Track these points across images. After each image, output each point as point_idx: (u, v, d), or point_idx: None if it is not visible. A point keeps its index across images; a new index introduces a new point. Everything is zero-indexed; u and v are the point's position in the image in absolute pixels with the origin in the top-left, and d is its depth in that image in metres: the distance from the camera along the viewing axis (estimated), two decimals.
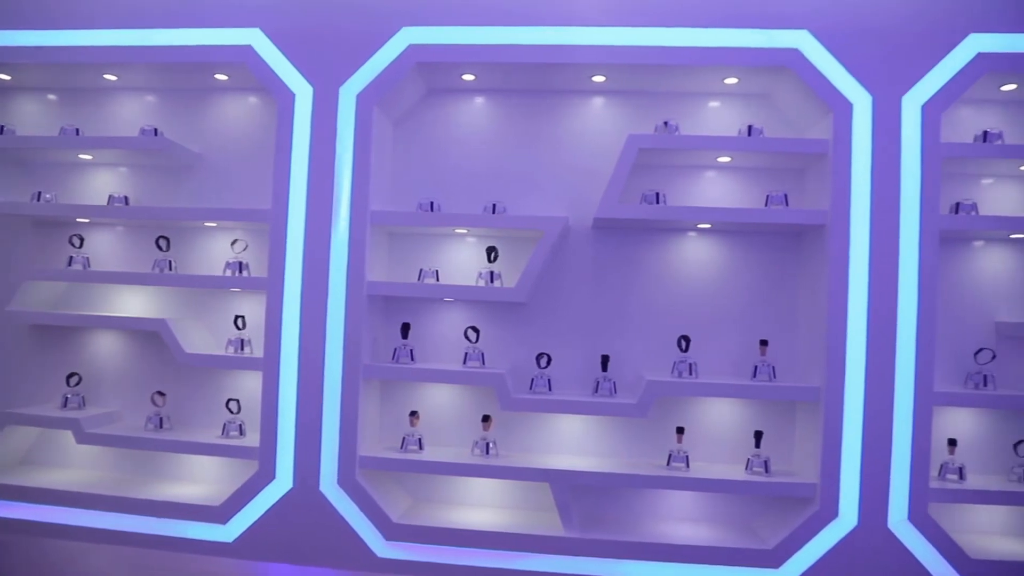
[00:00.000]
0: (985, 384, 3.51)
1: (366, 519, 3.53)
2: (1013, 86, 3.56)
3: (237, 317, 3.83)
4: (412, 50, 3.56)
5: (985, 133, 3.48)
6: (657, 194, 3.57)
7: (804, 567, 3.36)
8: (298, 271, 3.57)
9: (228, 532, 3.60)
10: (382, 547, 3.53)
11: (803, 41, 3.42)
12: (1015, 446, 3.53)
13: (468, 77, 3.75)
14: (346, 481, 3.54)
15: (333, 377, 3.55)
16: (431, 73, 3.72)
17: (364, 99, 3.57)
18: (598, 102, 3.87)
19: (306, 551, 3.57)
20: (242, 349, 3.78)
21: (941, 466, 3.52)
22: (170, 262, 3.82)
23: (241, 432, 3.79)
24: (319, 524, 3.56)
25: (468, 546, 3.46)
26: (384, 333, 3.88)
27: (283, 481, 3.58)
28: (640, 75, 3.63)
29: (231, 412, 3.81)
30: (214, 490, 3.83)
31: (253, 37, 3.62)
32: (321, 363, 3.55)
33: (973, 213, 3.49)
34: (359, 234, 3.56)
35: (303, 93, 3.60)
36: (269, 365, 3.57)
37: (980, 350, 3.56)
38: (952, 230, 3.44)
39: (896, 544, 3.34)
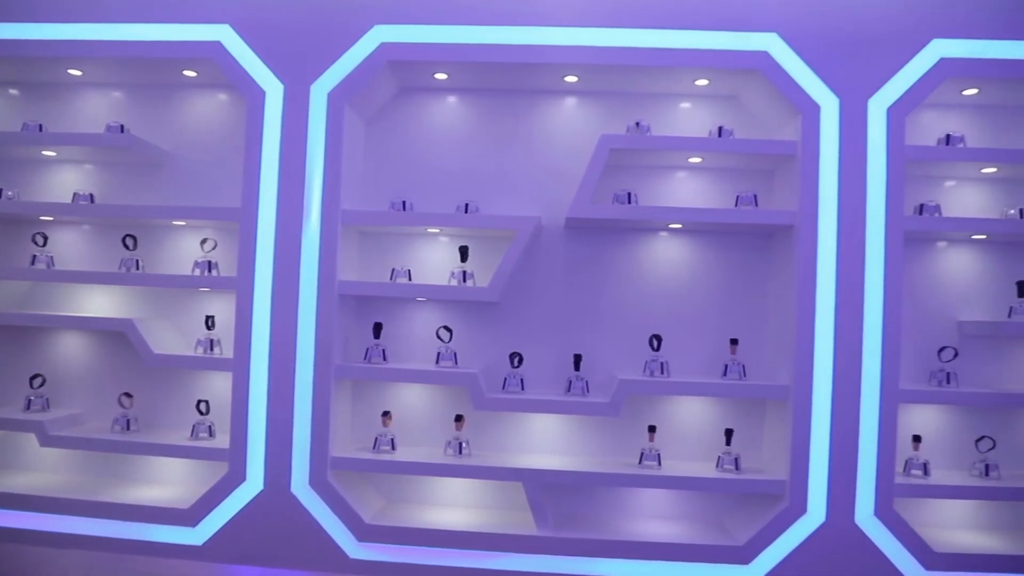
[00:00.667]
0: (948, 382, 3.58)
1: (338, 520, 3.50)
2: (974, 91, 3.64)
3: (207, 317, 3.78)
4: (384, 48, 3.54)
5: (948, 136, 3.56)
6: (629, 194, 3.59)
7: (774, 563, 3.41)
8: (268, 270, 3.54)
9: (198, 535, 3.55)
10: (354, 548, 3.51)
11: (772, 44, 3.46)
12: (977, 442, 3.61)
13: (441, 76, 3.74)
14: (318, 482, 3.51)
15: (304, 377, 3.52)
16: (403, 72, 3.70)
17: (335, 97, 3.54)
18: (570, 102, 3.89)
19: (277, 553, 3.54)
20: (211, 349, 3.73)
21: (906, 462, 3.59)
22: (137, 261, 3.76)
23: (211, 433, 3.74)
24: (290, 526, 3.53)
25: (441, 546, 3.46)
26: (356, 333, 3.85)
27: (254, 483, 3.54)
28: (612, 76, 3.65)
29: (200, 413, 3.76)
30: (183, 493, 3.77)
31: (222, 33, 3.57)
32: (292, 363, 3.52)
33: (936, 214, 3.56)
34: (330, 233, 3.53)
35: (273, 91, 3.56)
36: (239, 365, 3.53)
37: (943, 348, 3.64)
38: (916, 231, 3.51)
39: (863, 539, 3.40)
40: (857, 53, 3.46)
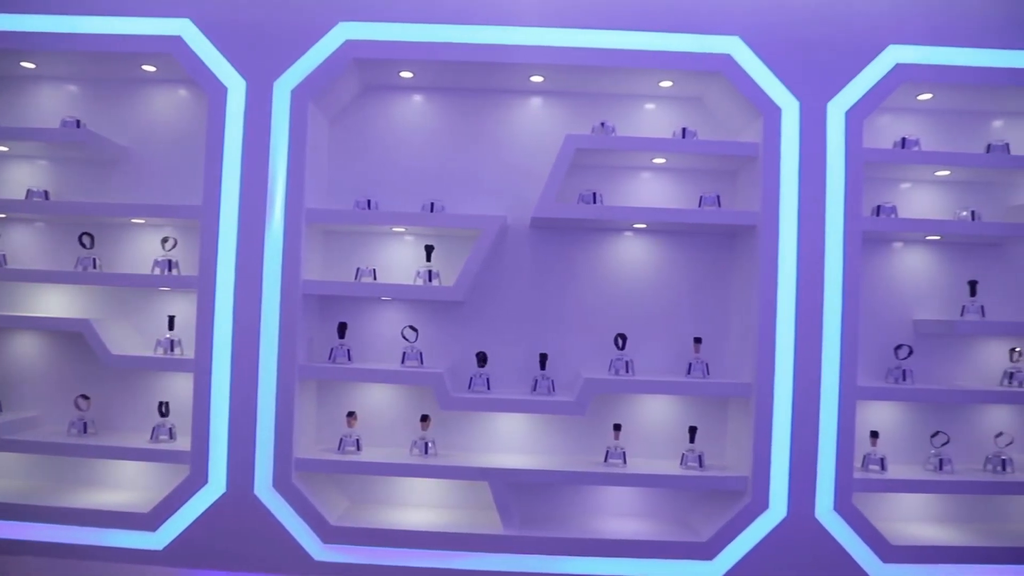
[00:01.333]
0: (904, 379, 3.67)
1: (303, 522, 3.47)
2: (929, 96, 3.74)
3: (169, 317, 3.71)
4: (349, 46, 3.51)
5: (904, 140, 3.65)
6: (594, 194, 3.62)
7: (736, 558, 3.46)
8: (231, 270, 3.48)
9: (158, 540, 3.49)
10: (319, 550, 3.47)
11: (735, 47, 3.51)
12: (932, 437, 3.71)
13: (406, 74, 3.72)
14: (282, 484, 3.47)
15: (268, 378, 3.48)
16: (368, 70, 3.67)
17: (299, 95, 3.50)
18: (536, 102, 3.90)
19: (240, 557, 3.49)
20: (172, 350, 3.67)
21: (864, 457, 3.67)
22: (94, 260, 3.68)
23: (171, 436, 3.67)
24: (254, 529, 3.48)
25: (407, 547, 3.44)
26: (320, 333, 3.82)
27: (216, 485, 3.49)
28: (578, 76, 3.67)
29: (161, 415, 3.68)
30: (143, 497, 3.70)
31: (183, 28, 3.51)
32: (255, 364, 3.48)
33: (893, 216, 3.65)
34: (294, 232, 3.49)
35: (235, 87, 3.51)
36: (200, 366, 3.47)
37: (899, 346, 3.73)
38: (874, 231, 3.59)
39: (823, 533, 3.47)
40: (817, 57, 3.53)
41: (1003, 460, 3.66)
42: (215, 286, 3.48)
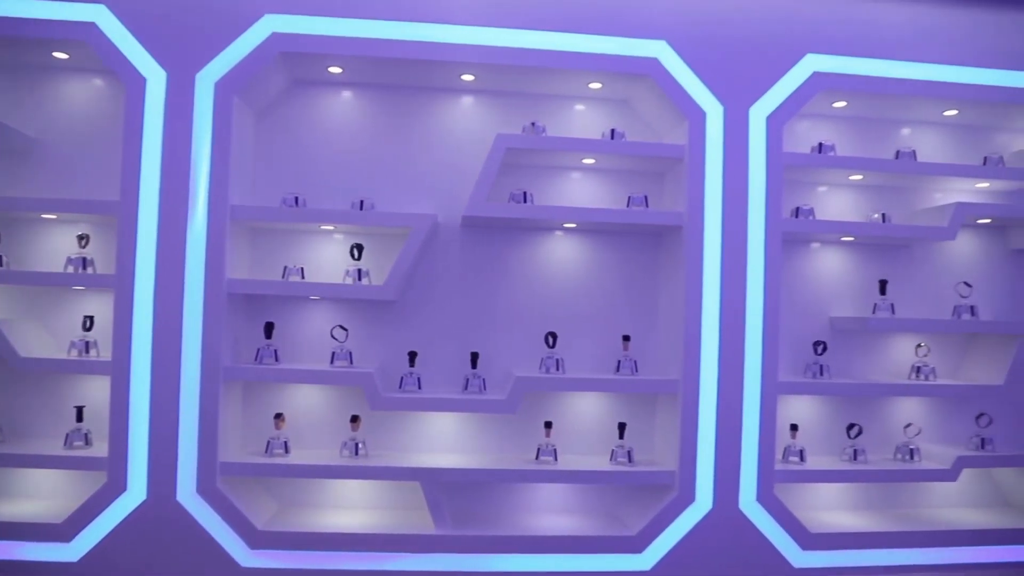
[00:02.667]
0: (821, 373, 3.83)
1: (228, 528, 3.37)
2: (843, 103, 3.92)
3: (85, 318, 3.55)
4: (275, 38, 3.43)
5: (820, 145, 3.81)
6: (525, 193, 3.64)
7: (665, 550, 3.54)
8: (151, 268, 3.35)
9: (73, 551, 3.33)
10: (246, 556, 3.38)
11: (662, 51, 3.59)
12: (847, 429, 3.88)
13: (335, 70, 3.66)
14: (206, 489, 3.36)
15: (190, 380, 3.36)
16: (296, 64, 3.60)
17: (223, 87, 3.40)
18: (467, 101, 3.90)
19: (162, 566, 3.36)
20: (87, 352, 3.51)
21: (784, 449, 3.81)
22: (1, 257, 3.48)
23: (87, 442, 3.51)
24: (176, 536, 3.36)
25: (338, 550, 3.39)
26: (246, 333, 3.72)
27: (135, 492, 3.35)
28: (508, 76, 3.69)
29: (76, 421, 3.52)
30: (57, 506, 3.52)
31: (98, 14, 3.35)
32: (177, 365, 3.36)
33: (811, 217, 3.80)
34: (218, 229, 3.39)
35: (155, 78, 3.38)
36: (118, 369, 3.33)
37: (818, 342, 3.89)
38: (793, 232, 3.74)
39: (747, 524, 3.58)
40: (740, 63, 3.64)
41: (911, 449, 3.87)
42: (133, 285, 3.34)
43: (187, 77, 3.39)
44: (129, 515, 3.35)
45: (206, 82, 3.40)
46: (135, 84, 3.36)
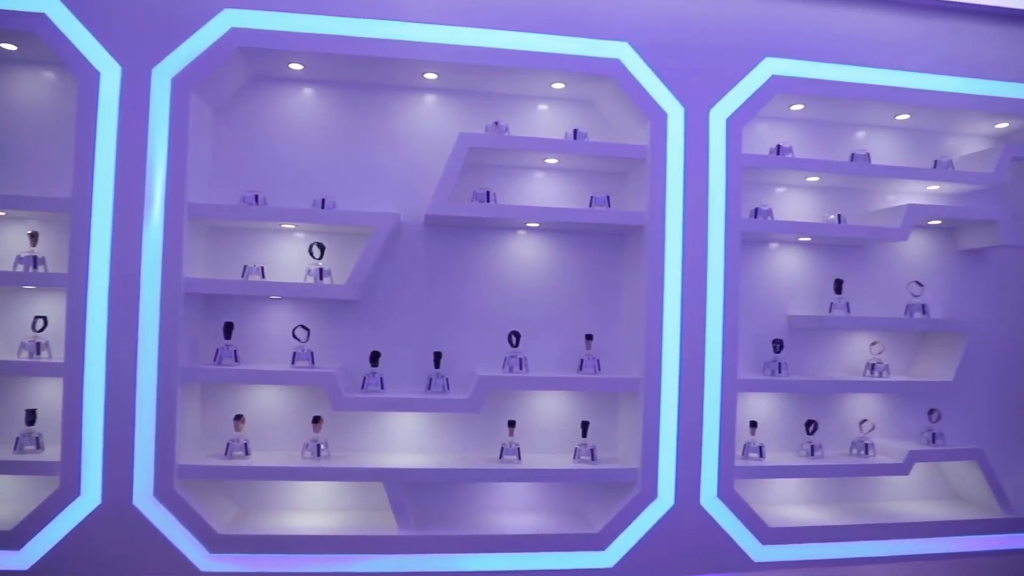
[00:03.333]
0: (780, 371, 3.90)
1: (187, 532, 3.30)
2: (801, 106, 4.00)
3: (37, 318, 3.45)
4: (234, 33, 3.37)
5: (779, 147, 3.88)
6: (488, 193, 3.64)
7: (628, 547, 3.57)
8: (105, 267, 3.27)
9: (24, 558, 3.23)
10: (205, 561, 3.32)
11: (624, 52, 3.62)
12: (807, 426, 3.95)
13: (296, 66, 3.62)
14: (163, 493, 3.29)
15: (147, 381, 3.29)
16: (256, 60, 3.55)
17: (180, 83, 3.34)
18: (430, 99, 3.88)
19: (118, 572, 3.28)
20: (39, 353, 3.41)
21: (744, 446, 3.88)
22: None
23: (39, 446, 3.41)
24: (133, 542, 3.29)
25: (300, 552, 3.35)
26: (205, 333, 3.65)
27: (90, 497, 3.27)
28: (471, 75, 3.68)
29: (26, 424, 3.41)
30: (6, 512, 3.41)
31: (48, 4, 3.26)
32: (133, 366, 3.28)
33: (769, 218, 3.87)
34: (175, 228, 3.33)
35: (109, 72, 3.30)
36: (71, 370, 3.24)
37: (777, 341, 3.96)
38: (752, 232, 3.80)
39: (708, 519, 3.63)
40: (700, 66, 3.69)
41: (866, 445, 3.96)
42: (87, 284, 3.26)
43: (143, 71, 3.32)
44: (83, 520, 3.27)
45: (162, 77, 3.33)
46: (88, 78, 3.28)
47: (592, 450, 3.71)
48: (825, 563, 3.72)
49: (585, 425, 3.76)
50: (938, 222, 4.10)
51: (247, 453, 3.52)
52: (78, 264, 3.25)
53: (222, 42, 3.36)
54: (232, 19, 3.37)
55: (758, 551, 3.66)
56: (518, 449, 3.69)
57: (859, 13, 3.90)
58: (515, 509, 3.87)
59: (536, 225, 3.82)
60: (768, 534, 3.66)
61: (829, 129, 4.22)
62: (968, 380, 4.25)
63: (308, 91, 3.80)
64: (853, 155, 3.94)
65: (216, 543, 3.30)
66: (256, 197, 3.52)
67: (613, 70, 3.59)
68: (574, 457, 3.73)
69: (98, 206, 3.27)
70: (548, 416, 3.92)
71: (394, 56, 3.47)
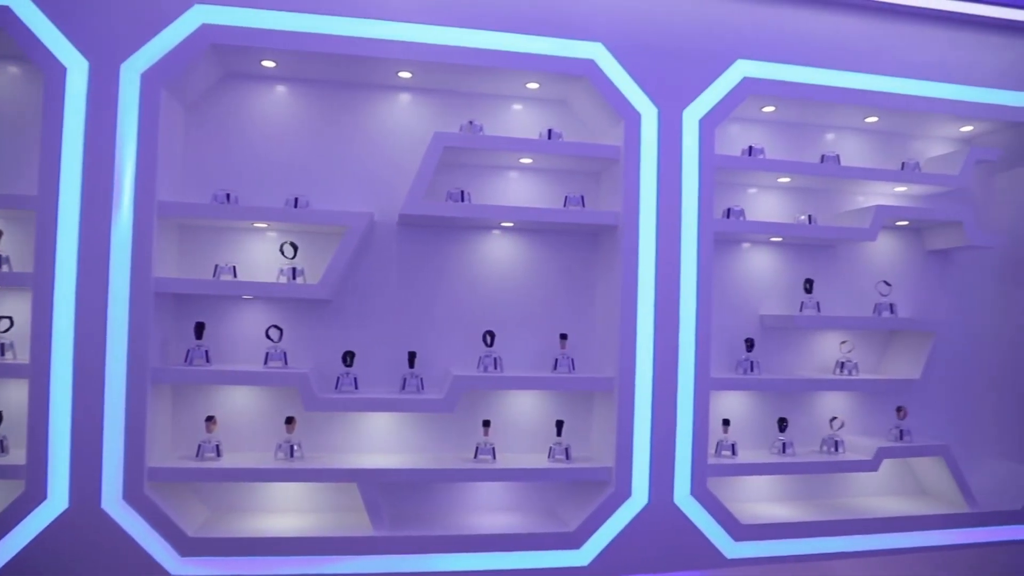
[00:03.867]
0: (752, 370, 3.95)
1: (157, 535, 3.25)
2: (772, 108, 4.05)
3: (2, 318, 3.37)
4: (205, 30, 3.33)
5: (751, 148, 3.93)
6: (462, 192, 3.64)
7: (602, 545, 3.59)
8: (72, 266, 3.21)
9: None
10: (176, 565, 3.27)
11: (598, 53, 3.64)
12: (779, 422, 4.00)
13: (269, 64, 3.58)
14: (133, 496, 3.24)
15: (116, 382, 3.24)
16: (228, 56, 3.51)
17: (149, 79, 3.29)
18: (405, 98, 3.87)
19: None
20: (3, 354, 3.34)
21: (717, 444, 3.91)
22: None
23: (3, 449, 3.33)
24: (101, 545, 3.23)
25: (273, 554, 3.31)
26: (176, 334, 3.60)
27: (56, 501, 3.20)
28: (446, 74, 3.68)
29: None
30: None
31: None
32: (101, 367, 3.22)
33: (742, 218, 3.92)
34: (144, 226, 3.27)
35: (77, 67, 3.23)
36: (37, 371, 3.18)
37: (748, 339, 4.00)
38: (724, 232, 3.84)
39: (681, 517, 3.66)
40: (674, 67, 3.72)
41: (836, 442, 4.02)
42: (53, 284, 3.19)
43: (111, 67, 3.26)
44: (49, 525, 3.20)
45: (131, 73, 3.28)
46: (54, 73, 3.21)
47: (567, 449, 3.72)
48: (796, 559, 3.77)
49: (560, 424, 3.77)
50: (905, 223, 4.18)
51: (219, 455, 3.48)
52: (44, 263, 3.19)
53: (193, 38, 3.32)
54: (203, 15, 3.33)
55: (731, 548, 3.69)
56: (493, 449, 3.68)
57: (829, 17, 3.96)
58: (490, 508, 3.87)
59: (511, 225, 3.82)
60: (740, 531, 3.70)
61: (800, 131, 4.28)
62: (935, 378, 4.34)
63: (281, 89, 3.77)
64: (823, 157, 4.00)
65: (187, 546, 3.26)
66: (228, 196, 3.48)
67: (587, 70, 3.61)
68: (549, 456, 3.73)
69: (65, 204, 3.21)
70: (523, 415, 3.92)
71: (368, 54, 3.45)
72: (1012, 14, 4.10)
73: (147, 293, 3.27)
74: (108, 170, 3.24)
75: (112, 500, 3.24)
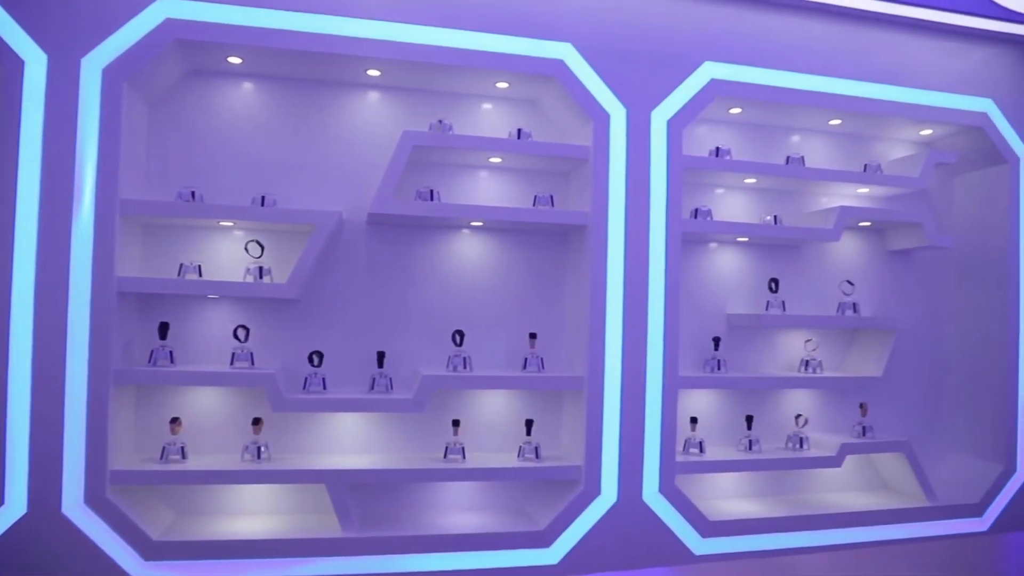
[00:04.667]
0: (719, 368, 3.99)
1: (120, 540, 3.19)
2: (739, 110, 4.10)
3: None
4: (169, 24, 3.27)
5: (717, 149, 3.97)
6: (431, 191, 3.62)
7: (572, 543, 3.60)
8: (30, 265, 3.13)
9: None
10: (140, 569, 3.21)
11: (567, 53, 3.65)
12: (746, 419, 4.04)
13: (235, 60, 3.53)
14: (94, 499, 3.17)
15: (77, 384, 3.17)
16: (193, 52, 3.45)
17: (111, 74, 3.22)
18: (374, 96, 3.84)
19: None
20: None
21: (685, 442, 3.95)
22: None
23: None
24: (62, 551, 3.15)
25: (240, 557, 3.27)
26: (140, 334, 3.54)
27: (14, 506, 3.12)
28: (415, 73, 3.66)
29: None
30: None
31: None
32: (61, 368, 3.15)
33: (709, 218, 3.96)
34: (106, 224, 3.21)
35: (35, 61, 3.15)
36: None
37: (715, 338, 4.05)
38: (692, 232, 3.88)
39: (650, 514, 3.69)
40: (642, 68, 3.75)
41: (801, 439, 4.08)
42: (11, 284, 3.11)
43: (71, 61, 3.19)
44: (7, 531, 3.12)
45: (93, 67, 3.21)
46: (11, 66, 3.13)
47: (536, 448, 3.73)
48: (763, 554, 3.82)
49: (529, 423, 3.78)
50: (868, 224, 4.26)
51: (184, 457, 3.42)
52: (1, 262, 3.11)
53: (157, 33, 3.26)
54: (167, 9, 3.27)
55: (699, 544, 3.74)
56: (463, 448, 3.68)
57: (795, 21, 4.03)
58: (460, 508, 3.86)
59: (480, 224, 3.82)
60: (708, 527, 3.74)
61: (766, 132, 4.34)
62: (896, 375, 4.44)
63: (248, 86, 3.72)
64: (788, 158, 4.06)
65: (151, 551, 3.20)
66: (193, 194, 3.43)
67: (556, 70, 3.62)
68: (518, 455, 3.74)
69: (23, 201, 3.12)
70: (493, 415, 3.92)
71: (337, 52, 3.42)
72: (970, 21, 4.21)
73: (109, 293, 3.20)
74: (68, 167, 3.17)
75: (73, 504, 3.17)
